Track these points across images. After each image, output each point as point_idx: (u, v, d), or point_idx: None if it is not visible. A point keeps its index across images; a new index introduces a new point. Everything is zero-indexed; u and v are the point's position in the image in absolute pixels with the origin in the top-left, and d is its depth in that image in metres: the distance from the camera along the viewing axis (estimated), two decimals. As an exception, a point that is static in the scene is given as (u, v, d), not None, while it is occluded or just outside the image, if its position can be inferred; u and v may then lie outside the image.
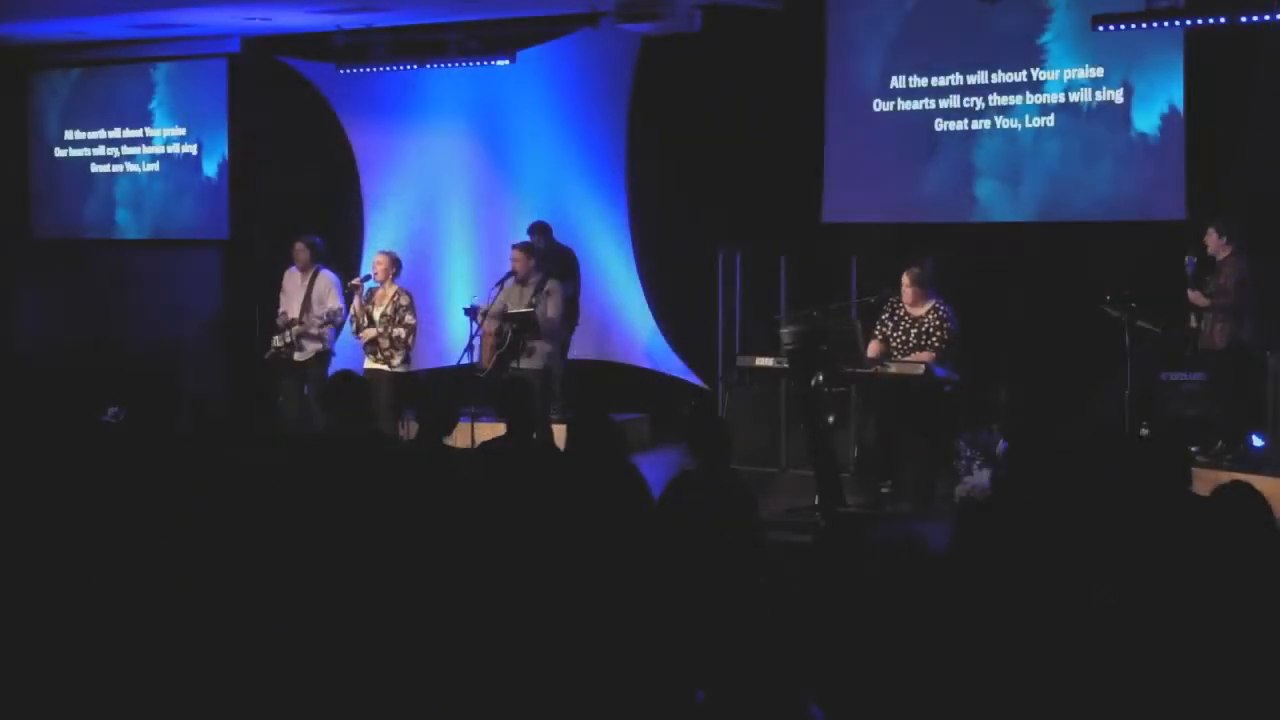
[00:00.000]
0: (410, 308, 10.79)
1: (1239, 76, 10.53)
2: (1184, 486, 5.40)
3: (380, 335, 10.73)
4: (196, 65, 14.70)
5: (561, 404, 11.65)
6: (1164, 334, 10.00)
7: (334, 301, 11.06)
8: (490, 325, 10.84)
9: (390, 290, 10.82)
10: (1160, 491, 5.30)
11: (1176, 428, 9.76)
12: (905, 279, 9.47)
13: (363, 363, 10.88)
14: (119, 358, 14.15)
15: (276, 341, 11.15)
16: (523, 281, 10.82)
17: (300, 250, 11.23)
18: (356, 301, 10.88)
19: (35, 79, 15.67)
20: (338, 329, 11.22)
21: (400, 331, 10.72)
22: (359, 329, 10.86)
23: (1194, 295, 9.79)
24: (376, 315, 10.76)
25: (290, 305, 11.19)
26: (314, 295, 11.06)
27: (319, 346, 11.07)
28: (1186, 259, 9.82)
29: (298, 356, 11.06)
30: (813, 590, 3.68)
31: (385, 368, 10.72)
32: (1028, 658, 3.96)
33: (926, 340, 9.38)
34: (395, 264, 10.92)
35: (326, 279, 11.16)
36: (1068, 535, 4.94)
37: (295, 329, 11.02)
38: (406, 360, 10.83)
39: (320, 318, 10.97)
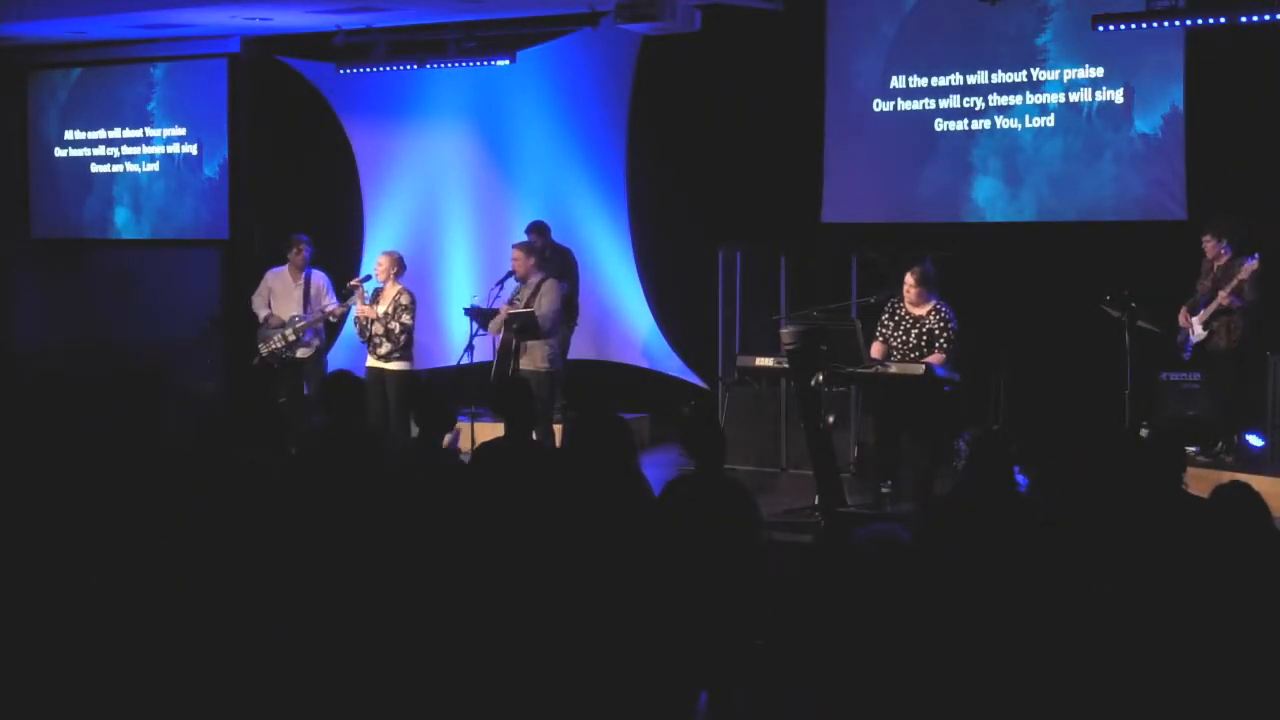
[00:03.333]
0: (409, 307, 10.77)
1: (1239, 76, 10.53)
2: (1177, 485, 5.40)
3: (377, 321, 10.72)
4: (196, 65, 14.71)
5: (562, 404, 11.65)
6: (1164, 334, 10.01)
7: (328, 300, 11.14)
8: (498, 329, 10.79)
9: (392, 290, 10.83)
10: (1156, 491, 5.30)
11: (1176, 427, 9.75)
12: (909, 279, 9.43)
13: (364, 362, 10.88)
14: (118, 358, 14.15)
15: (276, 341, 11.15)
16: (522, 281, 10.80)
17: (297, 253, 11.26)
18: (359, 303, 10.86)
19: (35, 79, 15.68)
20: (327, 327, 11.31)
21: (394, 326, 10.71)
22: (362, 330, 10.85)
23: (1224, 296, 9.68)
24: (380, 313, 10.80)
25: (282, 306, 11.23)
26: (311, 294, 11.13)
27: (318, 342, 11.13)
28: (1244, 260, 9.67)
29: (301, 353, 11.10)
30: (811, 590, 3.68)
31: (385, 365, 10.71)
32: (1025, 657, 3.96)
33: (930, 341, 9.34)
34: (397, 264, 10.91)
35: (320, 279, 11.27)
36: (1066, 534, 4.94)
37: (299, 324, 11.05)
38: (406, 358, 10.80)
39: (320, 312, 11.05)
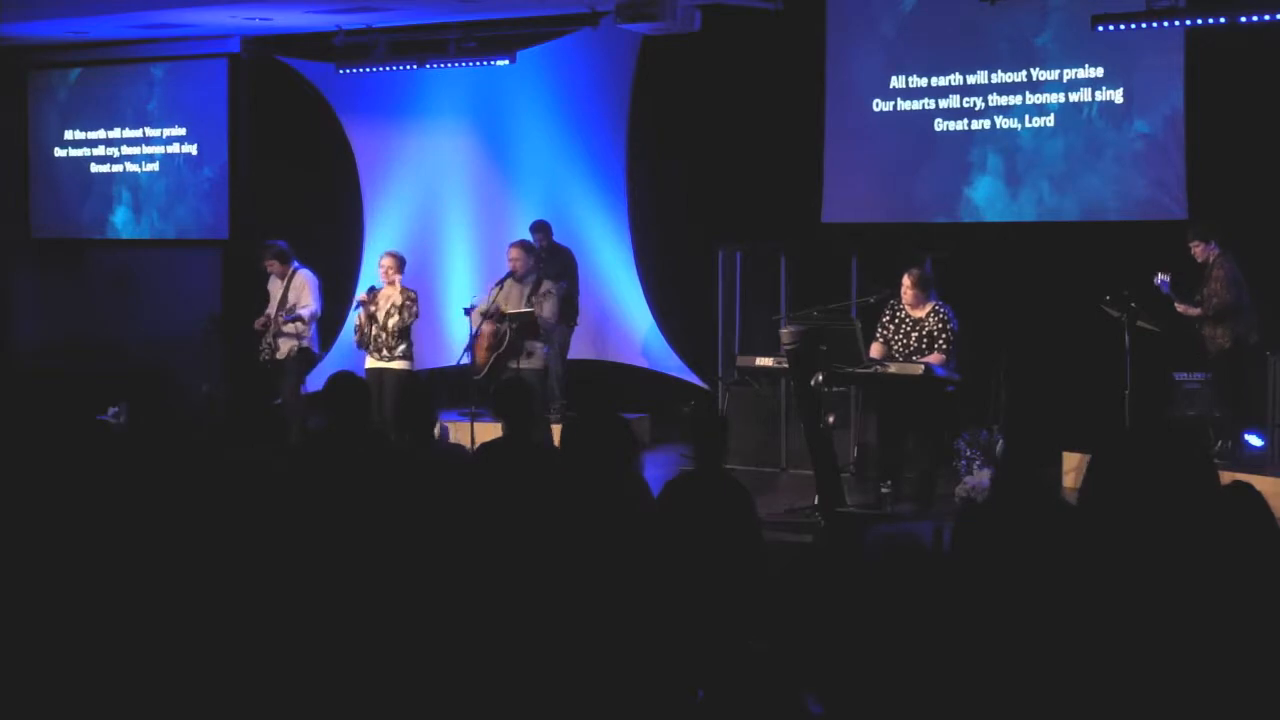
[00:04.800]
0: (410, 306, 10.78)
1: (1239, 76, 10.53)
2: (1211, 481, 5.36)
3: (393, 317, 10.74)
4: (196, 65, 14.71)
5: (561, 404, 11.66)
6: (1164, 334, 10.01)
7: (307, 298, 11.13)
8: (481, 323, 10.79)
9: (394, 290, 10.85)
10: (1184, 487, 5.27)
11: (1195, 426, 9.78)
12: (906, 280, 9.43)
13: (364, 362, 10.89)
14: (118, 358, 14.16)
15: (263, 345, 11.28)
16: (521, 280, 10.81)
17: (270, 263, 11.31)
18: (363, 311, 10.88)
19: (35, 79, 15.69)
20: (316, 324, 11.29)
21: (406, 317, 10.73)
22: (363, 338, 10.85)
23: (1183, 308, 9.84)
24: (382, 316, 10.77)
25: (271, 307, 11.32)
26: (289, 295, 11.16)
27: (294, 343, 11.13)
28: (1157, 280, 9.86)
29: (278, 355, 11.17)
30: (812, 590, 3.67)
31: (388, 365, 10.72)
32: (1026, 657, 3.95)
33: (930, 342, 9.33)
34: (399, 263, 10.93)
35: (301, 277, 11.28)
36: (1066, 535, 4.94)
37: (272, 328, 11.15)
38: (408, 357, 10.81)
39: (284, 315, 11.07)
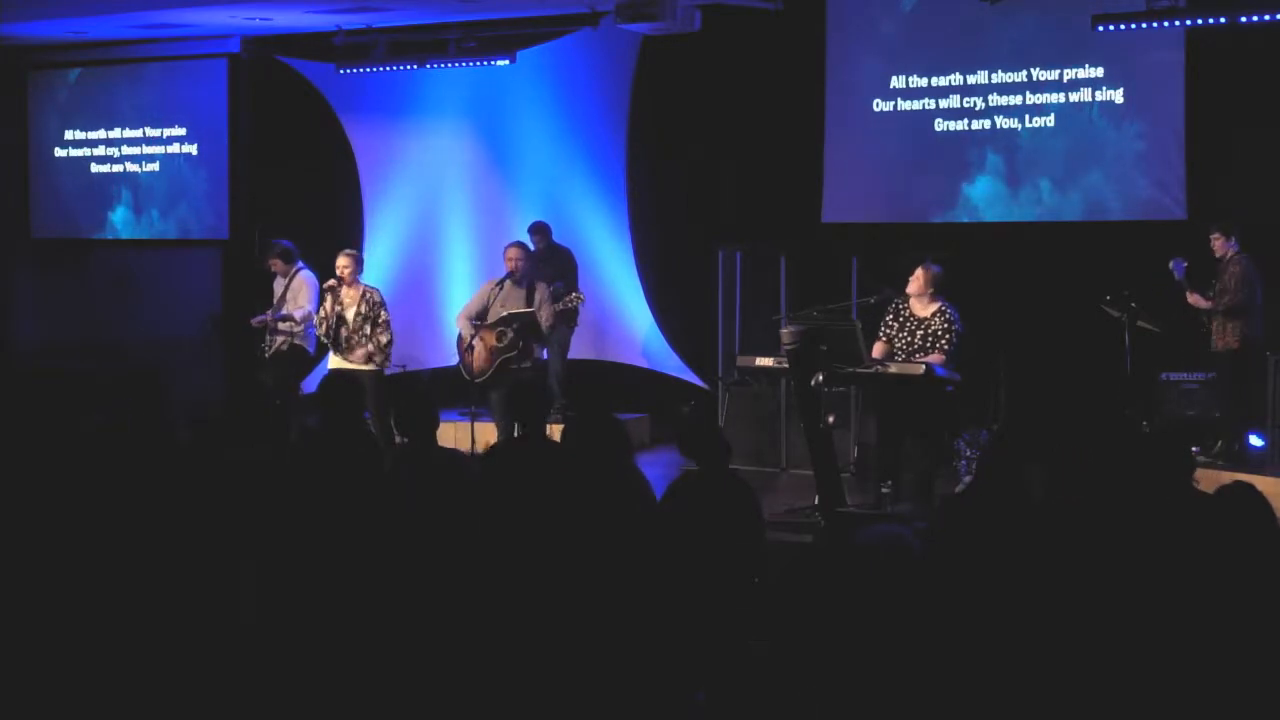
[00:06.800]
0: (384, 304, 10.62)
1: (1239, 76, 10.53)
2: (1187, 483, 5.40)
3: (362, 318, 10.58)
4: (196, 65, 14.71)
5: (561, 404, 11.66)
6: (1164, 334, 10.02)
7: (303, 300, 11.07)
8: (478, 330, 10.63)
9: (357, 290, 10.62)
10: (1162, 490, 5.29)
11: (1178, 426, 9.78)
12: (922, 273, 9.34)
13: (328, 362, 10.81)
14: (118, 358, 14.15)
15: (262, 343, 11.30)
16: (519, 283, 10.78)
17: (274, 262, 11.27)
18: (329, 301, 10.69)
19: (35, 79, 15.69)
20: (314, 326, 11.25)
21: (381, 318, 10.55)
22: (334, 339, 10.62)
23: (1193, 298, 9.84)
24: (350, 316, 10.57)
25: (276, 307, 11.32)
26: (287, 295, 11.13)
27: (286, 340, 11.08)
28: (1172, 264, 9.89)
29: (269, 353, 11.17)
30: (812, 590, 3.67)
31: (360, 367, 10.49)
32: (1023, 657, 3.95)
33: (934, 342, 9.30)
34: (357, 263, 10.77)
35: (300, 279, 11.19)
36: (1064, 534, 4.94)
37: (268, 326, 11.17)
38: (387, 360, 10.70)
39: (273, 314, 11.09)
